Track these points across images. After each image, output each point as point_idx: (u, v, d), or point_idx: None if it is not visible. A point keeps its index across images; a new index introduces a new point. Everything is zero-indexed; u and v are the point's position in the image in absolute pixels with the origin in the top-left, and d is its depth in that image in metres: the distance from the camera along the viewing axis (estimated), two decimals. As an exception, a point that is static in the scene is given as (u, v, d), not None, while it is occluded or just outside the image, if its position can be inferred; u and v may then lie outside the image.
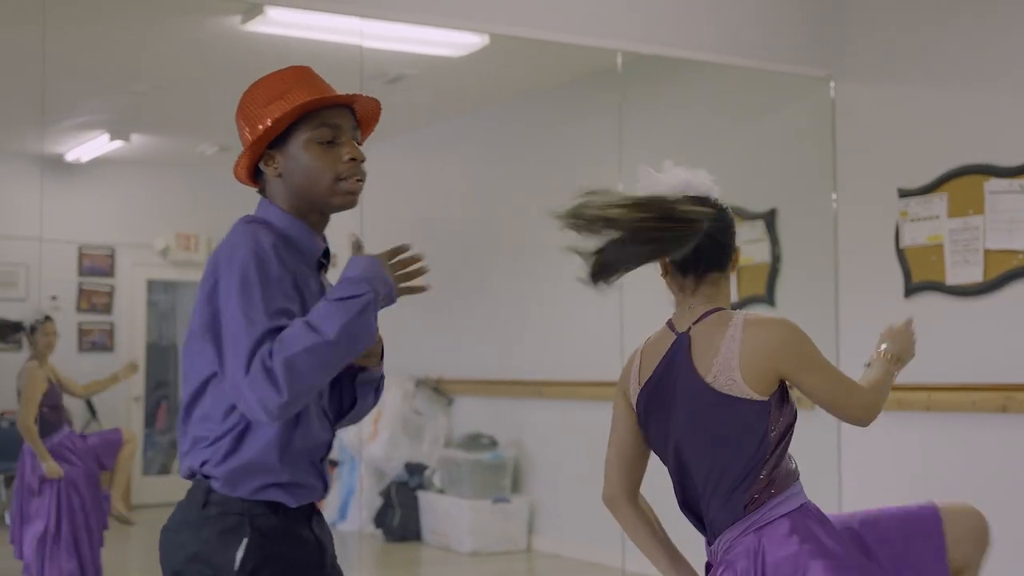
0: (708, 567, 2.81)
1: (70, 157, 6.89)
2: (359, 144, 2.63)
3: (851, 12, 6.43)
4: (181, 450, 2.53)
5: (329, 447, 2.61)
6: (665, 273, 2.86)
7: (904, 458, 6.00)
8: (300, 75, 2.62)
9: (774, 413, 2.69)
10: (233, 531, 2.42)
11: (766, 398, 2.67)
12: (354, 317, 2.37)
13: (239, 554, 2.40)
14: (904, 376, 6.18)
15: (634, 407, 2.84)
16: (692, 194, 2.81)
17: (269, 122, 2.52)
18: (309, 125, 2.55)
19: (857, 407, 2.80)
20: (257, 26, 5.90)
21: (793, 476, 2.74)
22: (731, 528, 2.69)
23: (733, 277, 2.93)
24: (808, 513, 2.70)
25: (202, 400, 2.47)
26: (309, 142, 2.55)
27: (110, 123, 6.74)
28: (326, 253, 2.65)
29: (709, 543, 2.78)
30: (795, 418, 2.75)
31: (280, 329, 2.34)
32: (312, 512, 2.55)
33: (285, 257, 2.46)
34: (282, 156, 2.56)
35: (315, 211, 2.60)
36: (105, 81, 6.55)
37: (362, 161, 2.59)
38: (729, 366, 2.66)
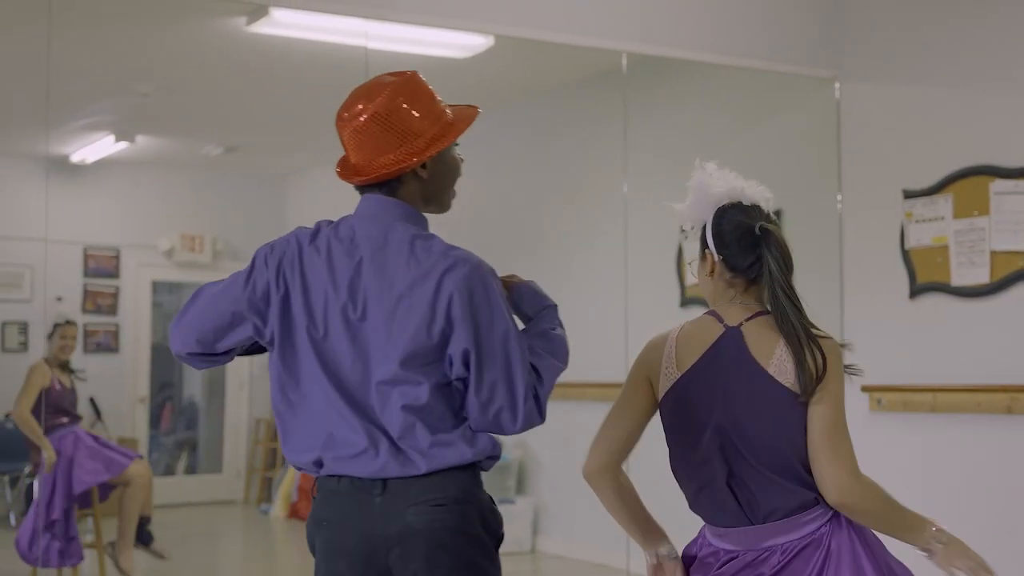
0: (714, 556, 2.79)
1: (75, 158, 6.90)
2: None
3: (856, 13, 6.43)
4: (419, 446, 2.59)
5: None
6: (711, 272, 2.85)
7: (909, 459, 6.00)
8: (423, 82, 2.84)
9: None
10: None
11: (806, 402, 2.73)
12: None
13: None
14: (909, 377, 6.21)
15: (660, 392, 2.82)
16: (746, 202, 2.84)
17: (455, 131, 2.81)
18: None
19: (836, 465, 2.66)
20: (262, 27, 5.90)
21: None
22: (801, 525, 2.71)
23: None
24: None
25: (440, 402, 2.61)
26: (452, 148, 2.84)
27: (115, 124, 6.75)
28: None
29: (748, 523, 2.75)
30: None
31: None
32: None
33: None
34: (432, 160, 2.77)
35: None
36: (110, 82, 6.56)
37: None
38: (785, 369, 2.71)
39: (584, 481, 2.87)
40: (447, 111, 2.80)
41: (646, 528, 2.88)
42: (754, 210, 2.85)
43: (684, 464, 2.83)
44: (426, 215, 2.80)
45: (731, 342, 2.78)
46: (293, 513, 8.90)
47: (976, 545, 3.07)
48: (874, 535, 2.76)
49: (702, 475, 2.78)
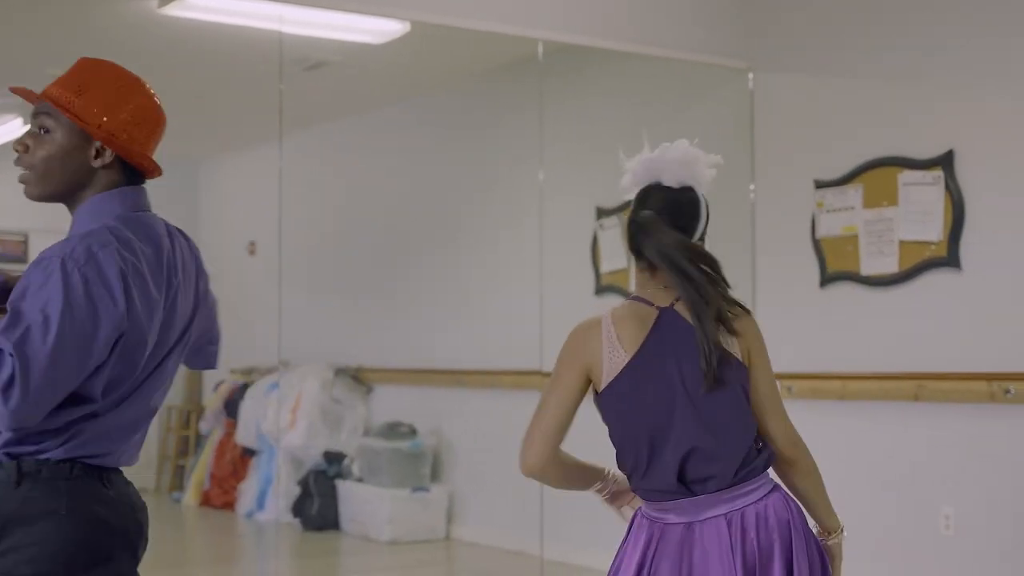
0: (658, 526, 2.83)
1: (-19, 141, 6.77)
2: (31, 132, 2.64)
3: (770, 4, 6.49)
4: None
5: None
6: (638, 259, 2.91)
7: (818, 445, 6.06)
8: None
9: None
10: None
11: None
12: None
13: None
14: (819, 365, 6.30)
15: (606, 376, 2.81)
16: (667, 182, 2.90)
17: None
18: None
19: (785, 429, 2.94)
20: (174, 10, 5.82)
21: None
22: (752, 490, 2.80)
23: None
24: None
25: None
26: None
27: (23, 107, 6.60)
28: None
29: (704, 491, 2.80)
30: None
31: None
32: None
33: None
34: None
35: None
36: (18, 64, 6.43)
37: (15, 151, 2.63)
38: (729, 340, 2.81)
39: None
40: None
41: (593, 476, 2.95)
42: (643, 196, 2.91)
43: (635, 444, 2.82)
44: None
45: (672, 321, 2.81)
46: (205, 500, 8.83)
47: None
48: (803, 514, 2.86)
49: (657, 452, 2.79)
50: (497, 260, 7.82)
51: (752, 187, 6.56)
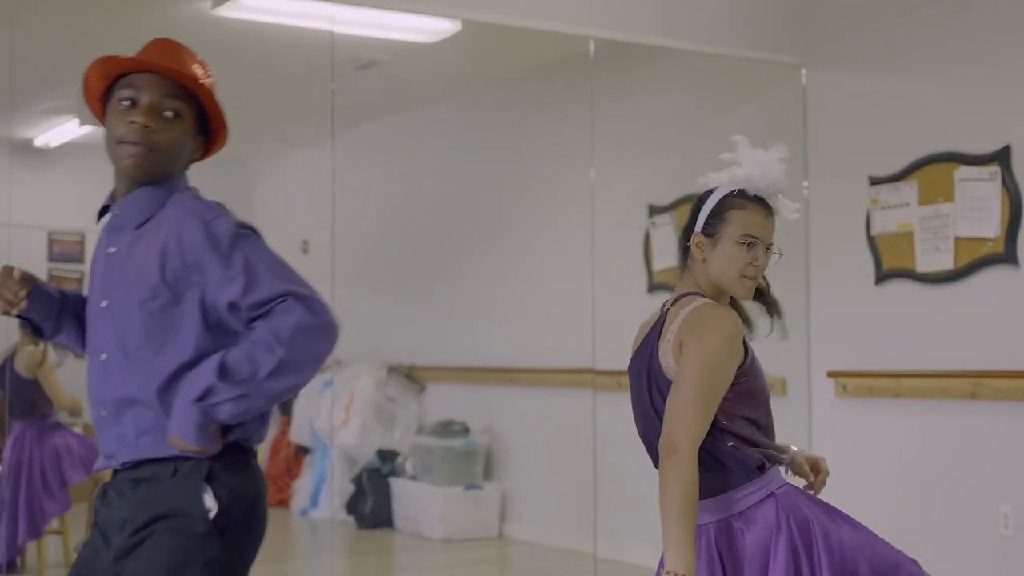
0: None
1: (39, 142, 6.84)
2: (156, 108, 2.52)
3: (822, 0, 6.45)
4: None
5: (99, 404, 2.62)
6: None
7: (874, 444, 6.04)
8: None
9: None
10: None
11: None
12: None
13: None
14: (874, 363, 6.24)
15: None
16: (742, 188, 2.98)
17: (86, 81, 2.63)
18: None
19: (669, 433, 2.64)
20: (228, 11, 5.87)
21: (749, 471, 2.75)
22: (738, 499, 2.74)
23: None
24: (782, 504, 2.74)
25: None
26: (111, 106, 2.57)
27: (79, 108, 6.66)
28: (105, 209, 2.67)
29: None
30: (725, 417, 2.74)
31: None
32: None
33: None
34: None
35: None
36: (74, 66, 6.47)
37: (142, 125, 2.50)
38: (667, 349, 2.77)
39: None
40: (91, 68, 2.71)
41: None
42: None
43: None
44: None
45: (657, 324, 2.86)
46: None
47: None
48: (808, 520, 2.72)
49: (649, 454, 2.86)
50: (549, 258, 7.82)
51: (806, 184, 6.51)
